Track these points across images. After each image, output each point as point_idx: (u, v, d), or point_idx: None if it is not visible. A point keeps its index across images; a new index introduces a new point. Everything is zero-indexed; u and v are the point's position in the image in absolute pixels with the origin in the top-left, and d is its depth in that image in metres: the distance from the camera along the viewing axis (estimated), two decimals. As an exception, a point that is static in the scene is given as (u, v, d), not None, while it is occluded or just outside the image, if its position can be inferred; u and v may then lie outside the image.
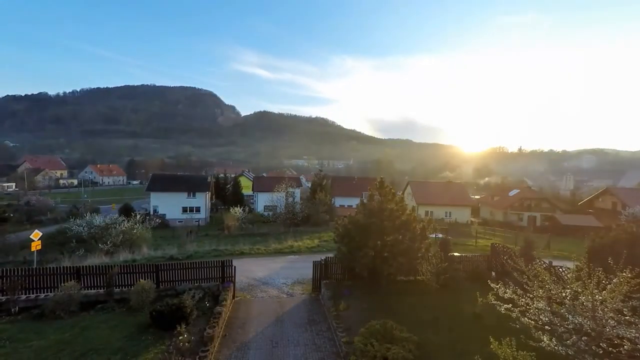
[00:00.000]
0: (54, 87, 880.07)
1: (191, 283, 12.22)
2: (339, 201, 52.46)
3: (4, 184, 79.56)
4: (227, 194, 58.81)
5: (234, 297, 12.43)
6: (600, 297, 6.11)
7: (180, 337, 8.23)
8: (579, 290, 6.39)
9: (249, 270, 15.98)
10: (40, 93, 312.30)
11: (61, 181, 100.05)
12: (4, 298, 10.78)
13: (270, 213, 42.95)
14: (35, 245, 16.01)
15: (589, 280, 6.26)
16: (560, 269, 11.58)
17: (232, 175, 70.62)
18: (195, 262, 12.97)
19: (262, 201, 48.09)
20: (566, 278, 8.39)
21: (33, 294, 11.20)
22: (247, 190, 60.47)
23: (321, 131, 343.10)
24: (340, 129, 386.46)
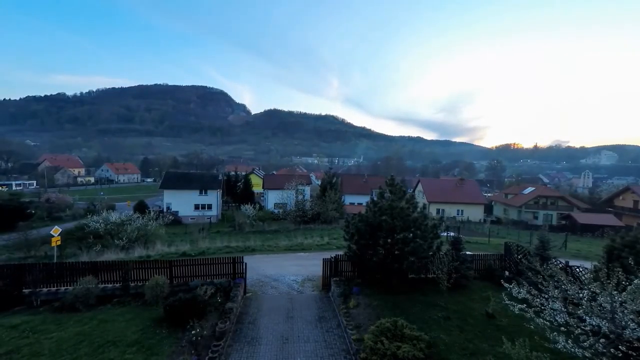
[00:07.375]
0: (72, 88, 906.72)
1: (203, 279, 12.44)
2: (348, 199, 52.39)
3: (25, 182, 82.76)
4: (237, 192, 59.45)
5: (244, 293, 12.60)
6: (620, 299, 5.91)
7: (193, 332, 8.41)
8: (597, 291, 6.18)
9: (260, 267, 16.13)
10: (59, 94, 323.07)
11: (79, 179, 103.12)
12: (27, 291, 11.28)
13: (281, 210, 43.26)
14: (55, 241, 16.59)
15: (608, 281, 6.06)
16: (578, 269, 11.26)
17: (243, 173, 71.39)
18: (207, 259, 13.17)
19: (273, 199, 48.43)
20: (583, 278, 8.15)
21: (54, 287, 11.66)
22: (257, 188, 61.11)
23: (331, 128, 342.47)
24: (350, 126, 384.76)
